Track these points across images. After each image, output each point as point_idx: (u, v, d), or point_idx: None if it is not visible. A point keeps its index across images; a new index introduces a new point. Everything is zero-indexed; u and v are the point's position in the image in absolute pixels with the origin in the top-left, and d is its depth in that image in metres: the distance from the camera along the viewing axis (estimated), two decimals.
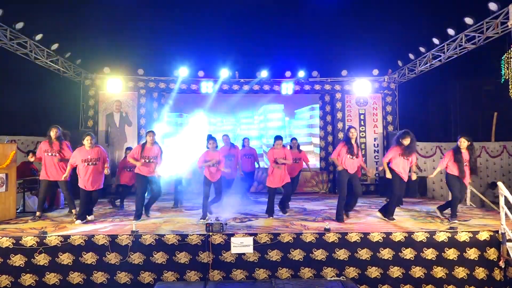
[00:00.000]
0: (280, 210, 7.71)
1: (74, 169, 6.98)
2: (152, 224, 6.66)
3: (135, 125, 11.78)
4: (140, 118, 11.82)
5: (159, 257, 5.64)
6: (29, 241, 5.54)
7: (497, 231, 5.77)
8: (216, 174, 7.18)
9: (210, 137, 7.29)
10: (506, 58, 8.86)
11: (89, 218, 6.97)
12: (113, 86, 11.57)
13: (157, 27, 14.17)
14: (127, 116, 11.82)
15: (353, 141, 6.78)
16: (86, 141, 6.82)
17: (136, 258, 5.61)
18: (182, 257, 5.65)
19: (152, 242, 5.66)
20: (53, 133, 7.11)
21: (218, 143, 7.41)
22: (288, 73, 12.09)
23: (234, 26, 14.24)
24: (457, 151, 6.88)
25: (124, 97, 11.84)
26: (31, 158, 8.00)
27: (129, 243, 5.61)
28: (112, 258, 5.58)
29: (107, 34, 13.28)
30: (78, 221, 6.72)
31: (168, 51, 12.67)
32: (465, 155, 6.86)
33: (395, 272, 5.75)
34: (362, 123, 12.13)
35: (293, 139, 9.26)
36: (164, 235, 5.71)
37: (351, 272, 5.72)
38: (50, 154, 7.09)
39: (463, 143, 6.87)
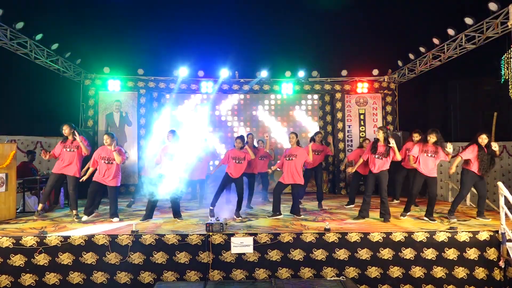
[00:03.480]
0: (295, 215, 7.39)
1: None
2: (152, 224, 6.66)
3: (135, 125, 11.76)
4: (140, 118, 11.80)
5: (159, 257, 5.64)
6: (29, 241, 5.54)
7: (497, 231, 5.78)
8: (239, 171, 7.23)
9: (240, 137, 7.40)
10: (506, 58, 8.86)
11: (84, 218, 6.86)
12: (113, 86, 11.57)
13: (157, 27, 14.20)
14: (127, 116, 11.81)
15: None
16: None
17: (136, 258, 5.61)
18: (182, 257, 5.65)
19: (152, 242, 5.66)
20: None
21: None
22: (288, 73, 12.08)
23: (234, 26, 14.26)
24: (480, 148, 6.78)
25: (124, 97, 11.83)
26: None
27: (129, 243, 5.62)
28: (112, 258, 5.59)
29: (107, 34, 13.30)
30: (85, 217, 6.75)
31: (168, 51, 12.69)
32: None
33: (395, 272, 5.75)
34: (362, 123, 12.13)
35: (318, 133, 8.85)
36: (164, 235, 5.72)
37: (351, 272, 5.72)
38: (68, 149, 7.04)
39: (485, 139, 6.77)
